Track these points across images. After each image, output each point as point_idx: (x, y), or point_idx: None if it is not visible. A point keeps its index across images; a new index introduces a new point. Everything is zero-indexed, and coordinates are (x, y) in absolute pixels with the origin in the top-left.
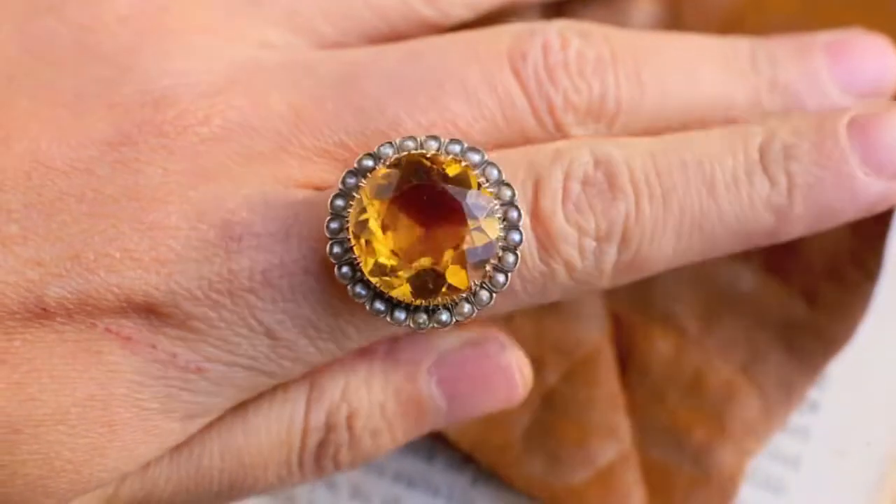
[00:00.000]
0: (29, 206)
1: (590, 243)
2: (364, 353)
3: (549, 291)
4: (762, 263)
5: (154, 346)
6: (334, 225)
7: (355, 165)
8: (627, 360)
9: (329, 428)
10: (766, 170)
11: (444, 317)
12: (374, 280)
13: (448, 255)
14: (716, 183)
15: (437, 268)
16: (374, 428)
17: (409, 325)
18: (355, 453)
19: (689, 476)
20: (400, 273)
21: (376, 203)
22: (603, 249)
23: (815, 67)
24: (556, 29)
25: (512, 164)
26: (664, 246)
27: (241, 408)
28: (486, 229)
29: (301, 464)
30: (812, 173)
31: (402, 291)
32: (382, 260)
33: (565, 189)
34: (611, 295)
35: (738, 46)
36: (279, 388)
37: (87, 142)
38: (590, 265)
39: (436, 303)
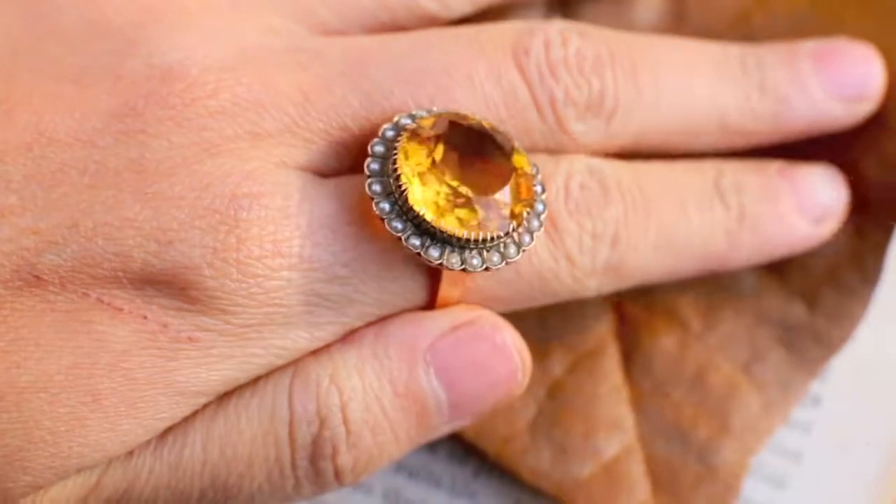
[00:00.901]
0: (29, 178)
1: (587, 240)
2: (351, 338)
3: (548, 289)
4: (763, 264)
5: (145, 317)
6: (374, 166)
7: (395, 120)
8: (631, 354)
9: (322, 420)
10: (722, 197)
11: (476, 261)
12: (418, 208)
13: (495, 195)
14: (686, 203)
15: (485, 204)
16: (373, 423)
17: (442, 262)
18: (357, 454)
19: (694, 472)
20: (449, 203)
21: (422, 143)
22: (597, 248)
23: (803, 72)
24: (556, 28)
25: None
26: (643, 255)
27: (225, 396)
28: (526, 182)
29: (294, 464)
30: (758, 205)
31: (451, 221)
32: (434, 189)
33: (567, 189)
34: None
35: (729, 51)
36: (263, 379)
37: (92, 114)
38: (586, 262)
39: (476, 238)
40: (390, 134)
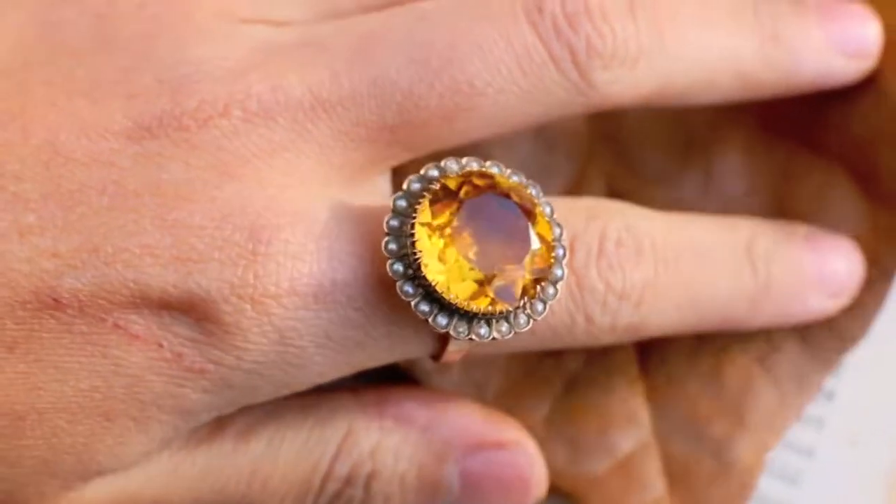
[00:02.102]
0: (47, 197)
1: (613, 300)
2: (407, 417)
3: (561, 341)
4: None
5: (161, 345)
6: (394, 223)
7: (404, 188)
8: (647, 347)
9: (348, 481)
10: (752, 264)
11: (483, 330)
12: (431, 278)
13: (510, 267)
14: (715, 267)
15: (499, 277)
16: (388, 493)
17: (447, 332)
18: None
19: (710, 468)
20: (460, 274)
21: (444, 206)
22: (621, 308)
23: (810, 24)
24: None
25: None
26: (664, 315)
27: (264, 417)
28: (544, 251)
29: None
30: (785, 277)
31: (462, 294)
32: (448, 262)
33: (601, 248)
34: None
35: (744, 0)
36: (317, 422)
37: (107, 134)
38: (606, 322)
39: (486, 311)
40: (416, 187)
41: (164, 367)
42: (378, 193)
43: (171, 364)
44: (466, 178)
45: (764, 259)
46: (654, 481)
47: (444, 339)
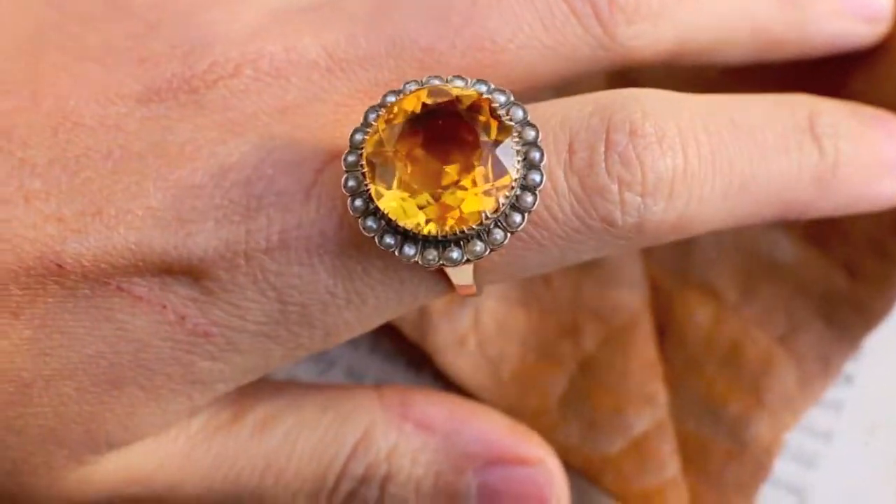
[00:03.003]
0: (53, 162)
1: (633, 198)
2: (427, 422)
3: (584, 249)
4: (802, 233)
5: (164, 307)
6: (351, 158)
7: (378, 101)
8: (665, 329)
9: (363, 480)
10: (816, 139)
11: (455, 254)
12: (383, 207)
13: (464, 180)
14: (766, 145)
15: (449, 194)
16: (403, 497)
17: (416, 261)
18: None
19: (725, 448)
20: (411, 199)
21: (392, 132)
22: (648, 205)
23: None
24: None
25: (543, 113)
26: (710, 206)
27: (284, 404)
28: (502, 158)
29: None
30: (857, 154)
31: (413, 219)
32: (395, 188)
33: (609, 140)
34: (649, 262)
35: None
36: (336, 418)
37: (117, 98)
38: (631, 222)
39: (444, 232)
40: (372, 117)
41: (169, 330)
42: None
43: (174, 327)
44: (420, 98)
45: (830, 133)
46: (669, 460)
47: (443, 273)
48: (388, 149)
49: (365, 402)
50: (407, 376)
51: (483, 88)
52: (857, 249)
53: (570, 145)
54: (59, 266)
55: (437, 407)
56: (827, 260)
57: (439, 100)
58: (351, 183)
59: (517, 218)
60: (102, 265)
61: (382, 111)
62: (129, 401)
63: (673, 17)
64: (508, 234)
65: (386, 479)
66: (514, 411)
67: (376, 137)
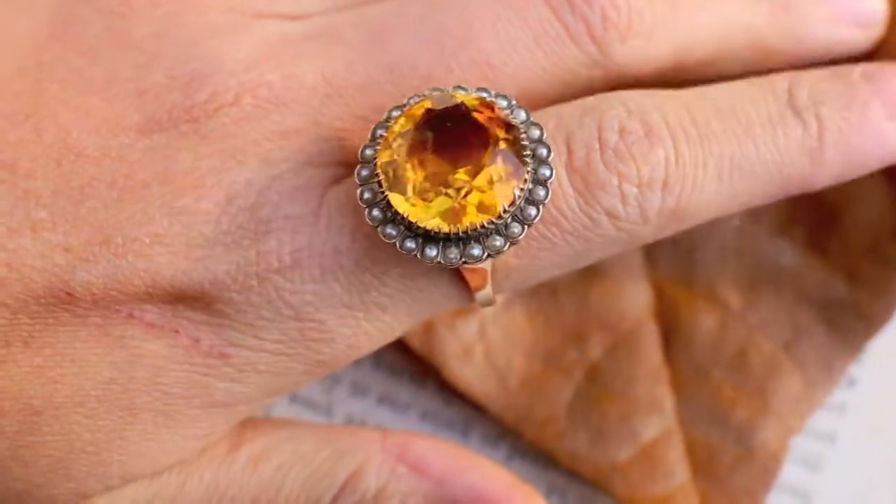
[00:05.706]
0: (58, 193)
1: (631, 189)
2: (420, 469)
3: (594, 244)
4: (804, 240)
5: (177, 331)
6: (364, 172)
7: (384, 116)
8: (671, 335)
9: None
10: (797, 113)
11: (476, 251)
12: (403, 211)
13: (476, 180)
14: (751, 125)
15: (465, 191)
16: None
17: (440, 261)
18: None
19: (733, 454)
20: (427, 201)
21: (403, 140)
22: (646, 196)
23: None
24: None
25: (539, 118)
26: (707, 190)
27: (287, 463)
28: (511, 156)
29: None
30: (841, 117)
31: (432, 220)
32: (410, 193)
33: (601, 139)
34: (654, 269)
35: None
36: (332, 454)
37: (119, 129)
38: (633, 212)
39: (465, 228)
40: (380, 133)
41: (184, 354)
42: None
43: (189, 351)
44: (425, 106)
45: (810, 103)
46: (677, 468)
47: (461, 279)
48: (401, 157)
49: (365, 442)
50: (411, 389)
51: (485, 95)
52: (857, 255)
53: (568, 145)
54: (69, 294)
55: (436, 453)
56: (828, 266)
57: (445, 105)
58: (367, 195)
59: (532, 211)
60: (112, 293)
61: (391, 122)
62: (143, 427)
63: (667, 33)
64: (525, 227)
65: None
66: (522, 420)
67: (388, 149)
